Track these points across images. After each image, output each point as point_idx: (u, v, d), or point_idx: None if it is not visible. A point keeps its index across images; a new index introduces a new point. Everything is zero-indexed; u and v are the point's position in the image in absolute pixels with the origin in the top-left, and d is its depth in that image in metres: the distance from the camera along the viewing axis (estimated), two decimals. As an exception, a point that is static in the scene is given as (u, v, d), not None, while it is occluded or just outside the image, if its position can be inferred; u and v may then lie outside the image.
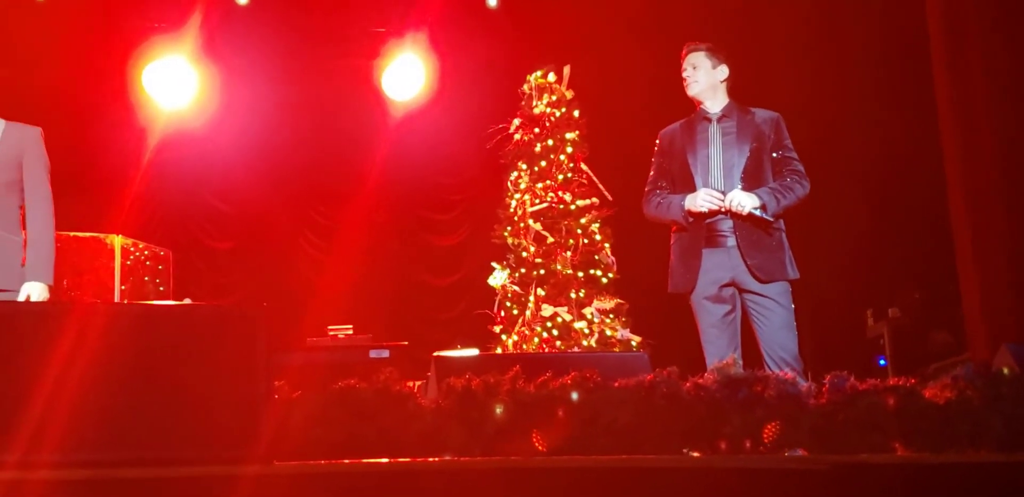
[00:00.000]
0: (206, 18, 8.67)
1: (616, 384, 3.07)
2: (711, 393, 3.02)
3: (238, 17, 9.08)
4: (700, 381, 3.08)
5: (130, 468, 2.62)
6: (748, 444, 2.96)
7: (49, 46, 8.35)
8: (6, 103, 4.85)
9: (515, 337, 7.56)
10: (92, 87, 8.99)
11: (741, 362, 4.27)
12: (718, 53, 5.05)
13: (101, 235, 7.89)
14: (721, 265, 4.79)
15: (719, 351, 4.69)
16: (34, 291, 4.47)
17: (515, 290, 7.67)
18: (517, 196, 7.86)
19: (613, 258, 7.73)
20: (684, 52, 5.09)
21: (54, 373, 2.65)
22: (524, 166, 7.90)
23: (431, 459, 2.85)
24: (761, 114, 4.98)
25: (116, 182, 8.78)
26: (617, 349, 7.26)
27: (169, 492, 2.61)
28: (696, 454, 2.96)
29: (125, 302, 7.40)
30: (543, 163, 7.83)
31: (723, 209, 4.75)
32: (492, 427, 2.97)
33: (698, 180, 4.88)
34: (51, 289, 4.55)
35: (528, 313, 7.54)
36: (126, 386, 2.71)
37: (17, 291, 4.52)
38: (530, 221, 7.72)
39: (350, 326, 7.58)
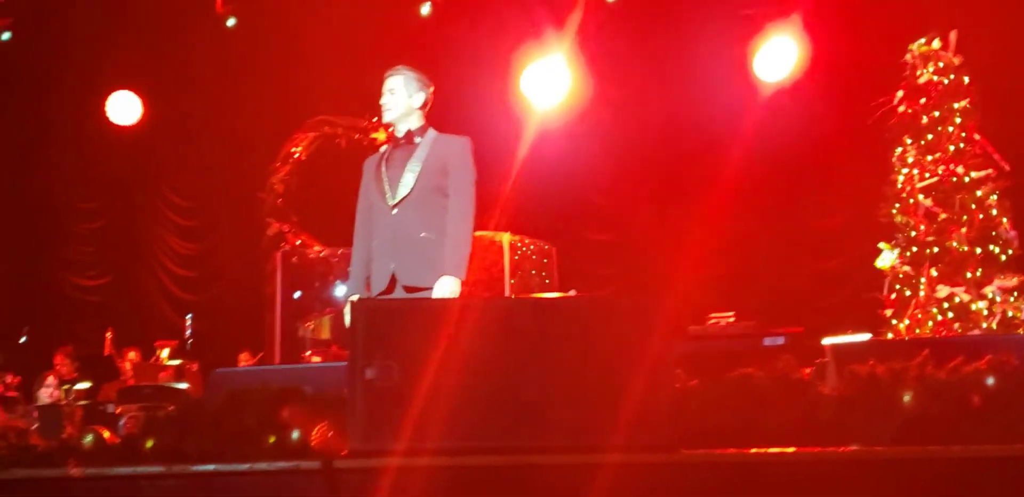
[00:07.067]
0: (581, 18, 8.91)
1: (1036, 368, 2.87)
2: None
3: (608, 14, 9.27)
4: None
5: (539, 455, 2.75)
6: None
7: (436, 58, 8.85)
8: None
9: (907, 321, 7.23)
10: (478, 92, 9.46)
11: None
12: None
13: (490, 233, 8.29)
14: None
15: None
16: (445, 285, 4.55)
17: (906, 271, 7.36)
18: (904, 171, 7.55)
19: (1014, 232, 7.26)
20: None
21: (459, 365, 2.82)
22: (909, 140, 7.58)
23: (838, 449, 2.77)
24: None
25: (501, 182, 9.21)
26: (1022, 331, 6.75)
27: (577, 479, 2.71)
28: None
29: (513, 296, 7.75)
30: (930, 136, 7.50)
31: None
32: (901, 415, 2.86)
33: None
34: (463, 284, 4.62)
35: (921, 295, 7.19)
36: (531, 378, 2.84)
37: None
38: (920, 197, 7.38)
39: (732, 313, 7.48)
